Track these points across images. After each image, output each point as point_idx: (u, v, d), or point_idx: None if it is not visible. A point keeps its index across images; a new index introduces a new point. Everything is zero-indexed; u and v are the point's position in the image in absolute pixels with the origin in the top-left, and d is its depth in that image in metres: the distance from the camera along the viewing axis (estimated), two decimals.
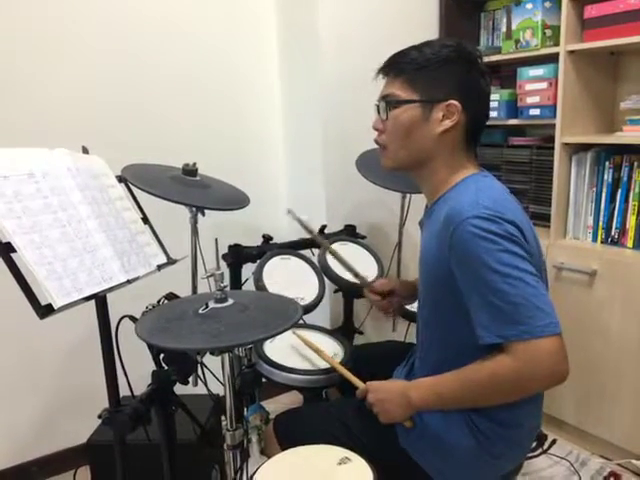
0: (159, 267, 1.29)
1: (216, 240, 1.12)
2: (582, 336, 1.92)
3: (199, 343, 1.01)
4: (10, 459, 1.92)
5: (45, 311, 0.92)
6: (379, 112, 1.18)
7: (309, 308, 1.63)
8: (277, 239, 1.91)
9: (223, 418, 1.22)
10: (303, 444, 1.13)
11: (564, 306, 1.87)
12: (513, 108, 2.20)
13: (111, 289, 1.10)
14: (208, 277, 1.14)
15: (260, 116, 2.29)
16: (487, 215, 0.99)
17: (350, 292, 1.84)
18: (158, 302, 1.50)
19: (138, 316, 1.40)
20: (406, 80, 1.12)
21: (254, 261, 1.77)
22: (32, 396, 1.94)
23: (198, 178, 1.53)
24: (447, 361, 1.11)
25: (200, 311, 1.13)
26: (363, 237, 2.05)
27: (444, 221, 1.06)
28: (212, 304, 1.13)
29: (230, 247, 1.78)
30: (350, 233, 2.04)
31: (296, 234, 2.01)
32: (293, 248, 1.86)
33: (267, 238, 1.84)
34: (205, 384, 1.51)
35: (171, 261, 1.39)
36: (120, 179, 1.40)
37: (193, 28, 2.07)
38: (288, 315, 1.12)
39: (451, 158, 1.15)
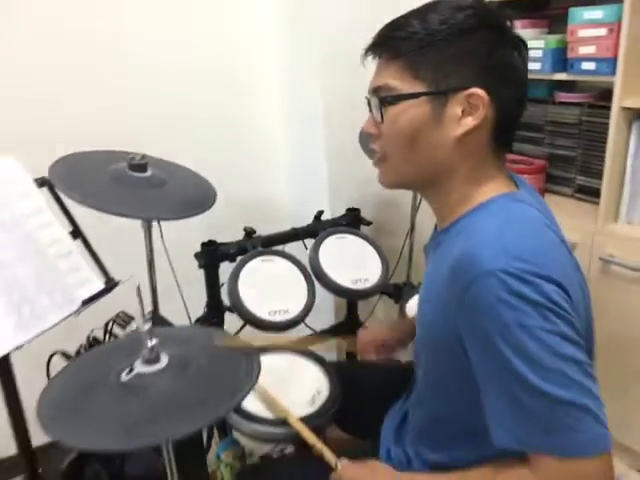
0: (86, 302, 1.02)
1: (138, 287, 0.83)
2: (630, 344, 1.59)
3: (105, 440, 0.75)
4: None
5: None
6: (371, 110, 0.85)
7: (291, 324, 1.35)
8: (263, 230, 1.58)
9: None
10: None
11: (609, 309, 1.54)
12: (561, 59, 1.74)
13: None
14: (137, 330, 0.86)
15: (250, 76, 1.90)
16: (519, 272, 0.68)
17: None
18: (106, 325, 1.25)
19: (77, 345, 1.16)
20: (406, 64, 0.79)
21: (233, 260, 1.48)
22: None
23: (148, 173, 1.21)
24: (443, 432, 0.89)
25: (123, 376, 0.86)
26: (369, 223, 1.72)
27: (453, 268, 0.75)
28: (139, 366, 0.87)
29: (203, 245, 1.48)
30: (353, 219, 1.71)
31: (288, 222, 1.69)
32: (281, 242, 1.56)
33: (249, 232, 1.52)
34: None
35: (110, 285, 1.12)
36: (42, 182, 1.11)
37: None
38: (238, 382, 0.86)
39: (475, 169, 0.83)
